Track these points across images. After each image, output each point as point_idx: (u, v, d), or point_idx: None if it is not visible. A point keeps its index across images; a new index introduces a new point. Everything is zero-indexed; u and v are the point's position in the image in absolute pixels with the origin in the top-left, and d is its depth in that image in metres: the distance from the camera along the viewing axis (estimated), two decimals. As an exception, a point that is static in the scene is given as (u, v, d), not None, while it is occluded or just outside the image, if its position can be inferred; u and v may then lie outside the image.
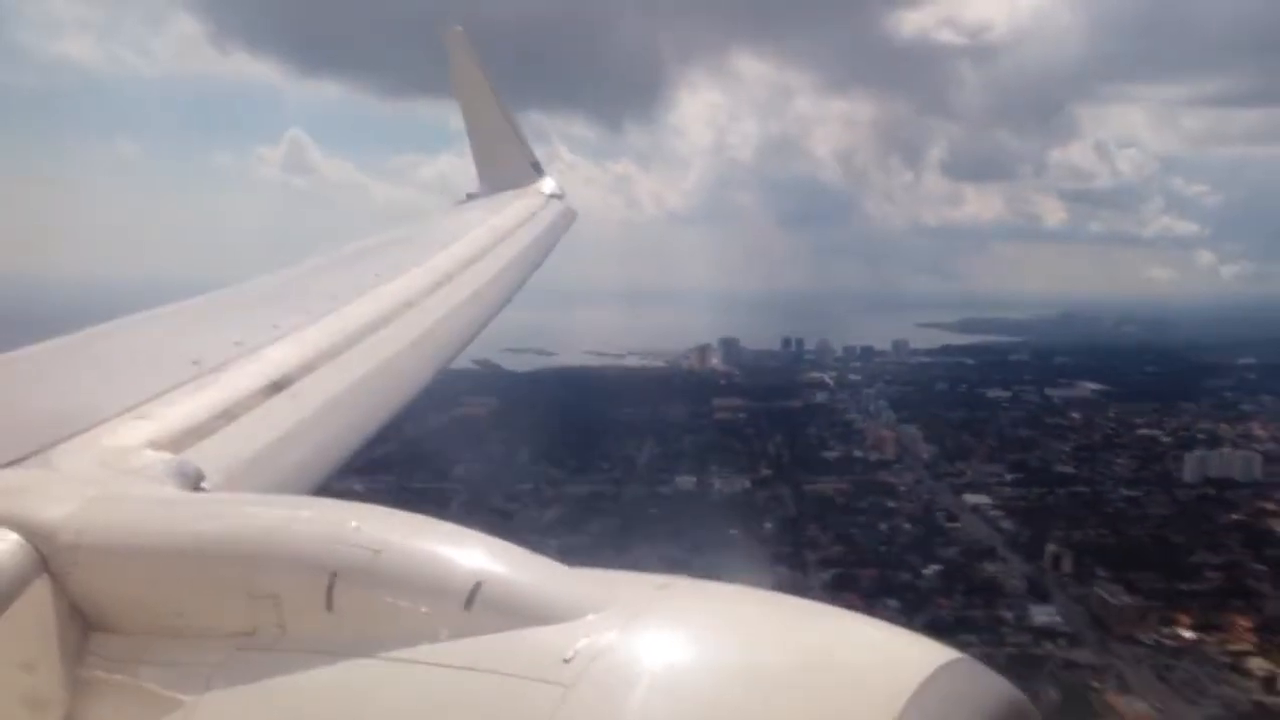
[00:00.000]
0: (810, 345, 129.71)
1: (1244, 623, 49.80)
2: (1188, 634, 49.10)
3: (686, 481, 76.74)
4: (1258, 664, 45.72)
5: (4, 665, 1.78)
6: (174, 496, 2.30)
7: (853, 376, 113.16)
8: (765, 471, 79.26)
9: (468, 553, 1.70)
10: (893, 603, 54.18)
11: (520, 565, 1.70)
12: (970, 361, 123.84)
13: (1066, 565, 57.97)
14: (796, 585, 58.13)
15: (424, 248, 6.47)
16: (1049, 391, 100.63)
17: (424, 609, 1.61)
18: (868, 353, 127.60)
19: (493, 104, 10.88)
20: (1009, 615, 53.09)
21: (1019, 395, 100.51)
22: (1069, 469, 76.78)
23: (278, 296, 4.85)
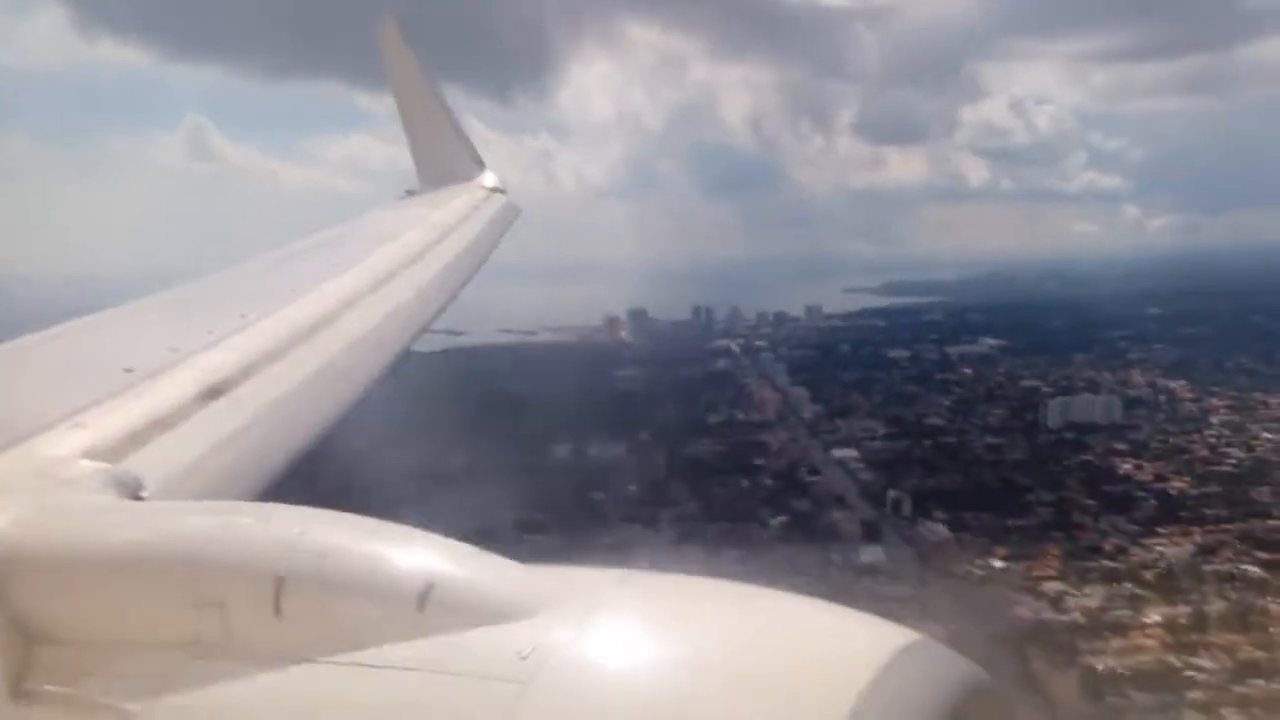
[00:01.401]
0: (721, 314, 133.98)
1: (1054, 551, 55.00)
2: (998, 564, 54.14)
3: (562, 450, 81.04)
4: (1053, 586, 50.83)
5: None
6: (113, 506, 2.33)
7: (759, 343, 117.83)
8: (643, 437, 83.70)
9: (418, 553, 1.76)
10: (731, 552, 58.91)
11: (473, 564, 1.77)
12: (882, 323, 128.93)
13: (905, 509, 62.89)
14: (645, 540, 62.91)
15: (363, 246, 6.66)
16: (948, 349, 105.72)
17: (375, 611, 1.66)
18: (780, 318, 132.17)
19: (430, 98, 10.91)
20: (837, 557, 57.88)
21: (919, 354, 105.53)
22: (940, 421, 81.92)
23: (213, 300, 5.05)
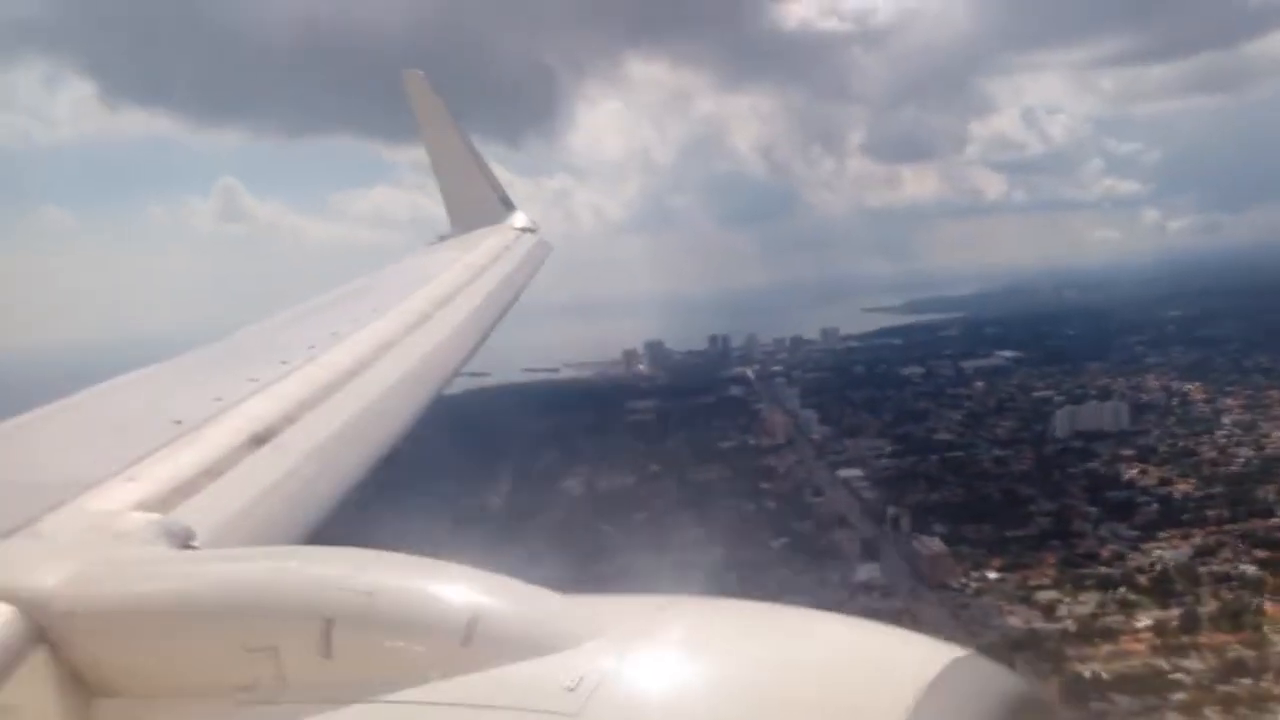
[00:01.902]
0: (738, 342, 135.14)
1: (1050, 560, 55.24)
2: (993, 575, 54.51)
3: (573, 485, 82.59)
4: (1047, 595, 51.11)
5: None
6: (165, 556, 2.43)
7: (774, 368, 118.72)
8: (654, 467, 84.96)
9: (461, 588, 1.80)
10: (731, 575, 59.78)
11: (515, 597, 1.80)
12: (898, 342, 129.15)
13: (904, 525, 63.36)
14: (649, 567, 63.99)
15: (398, 290, 6.81)
16: (963, 364, 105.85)
17: (422, 648, 1.70)
18: (797, 343, 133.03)
19: (459, 144, 11.23)
20: (834, 576, 58.52)
21: (933, 370, 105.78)
22: (948, 436, 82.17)
23: (255, 350, 5.16)
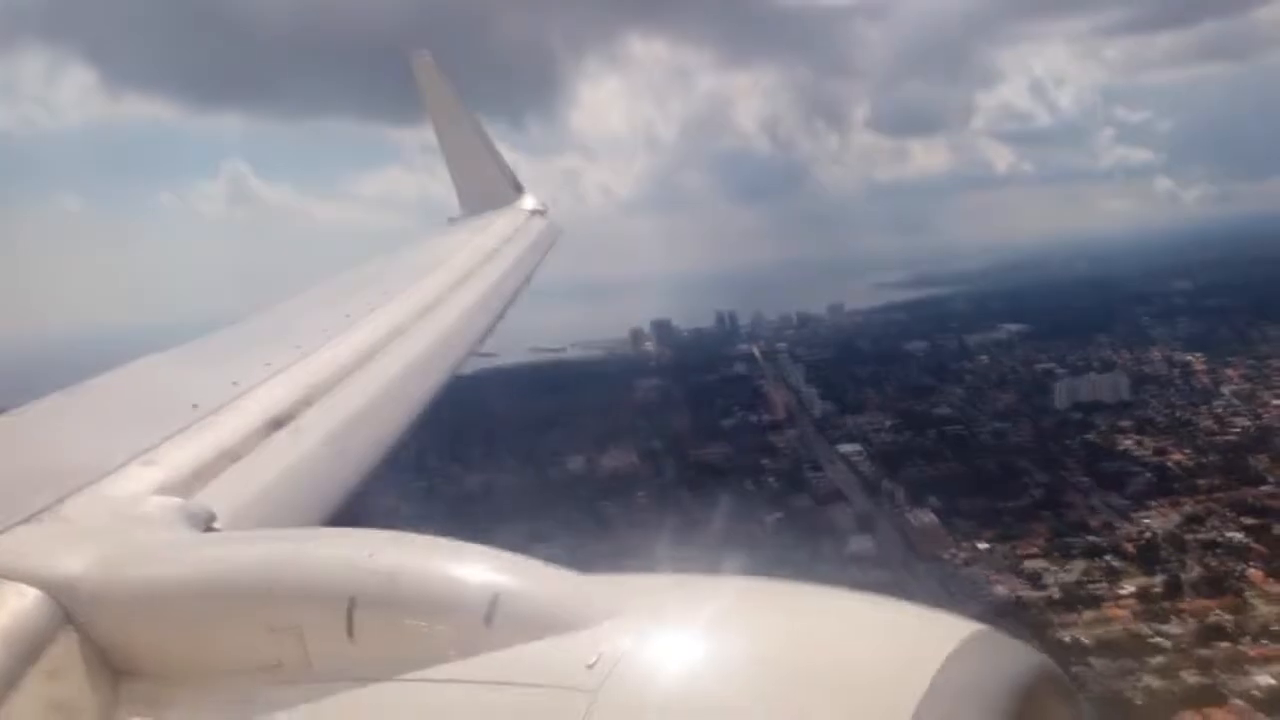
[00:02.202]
0: (744, 319, 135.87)
1: (1041, 530, 56.17)
2: (984, 546, 55.51)
3: (576, 463, 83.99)
4: (1035, 565, 52.09)
5: None
6: (187, 539, 2.47)
7: (780, 344, 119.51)
8: (655, 444, 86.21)
9: (482, 568, 1.83)
10: (724, 550, 61.07)
11: (535, 576, 1.83)
12: (904, 316, 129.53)
13: (900, 499, 64.37)
14: (644, 544, 65.34)
15: (409, 274, 6.90)
16: (968, 338, 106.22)
17: (444, 628, 1.74)
18: (803, 319, 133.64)
19: (468, 127, 11.34)
20: (827, 549, 59.66)
21: (938, 344, 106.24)
22: (949, 410, 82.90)
23: (270, 334, 5.22)
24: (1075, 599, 48.01)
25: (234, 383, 3.92)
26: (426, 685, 1.67)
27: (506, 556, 1.89)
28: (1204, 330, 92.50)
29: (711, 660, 1.57)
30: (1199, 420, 69.11)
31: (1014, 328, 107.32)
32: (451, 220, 10.61)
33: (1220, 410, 70.36)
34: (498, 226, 9.46)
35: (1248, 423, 67.05)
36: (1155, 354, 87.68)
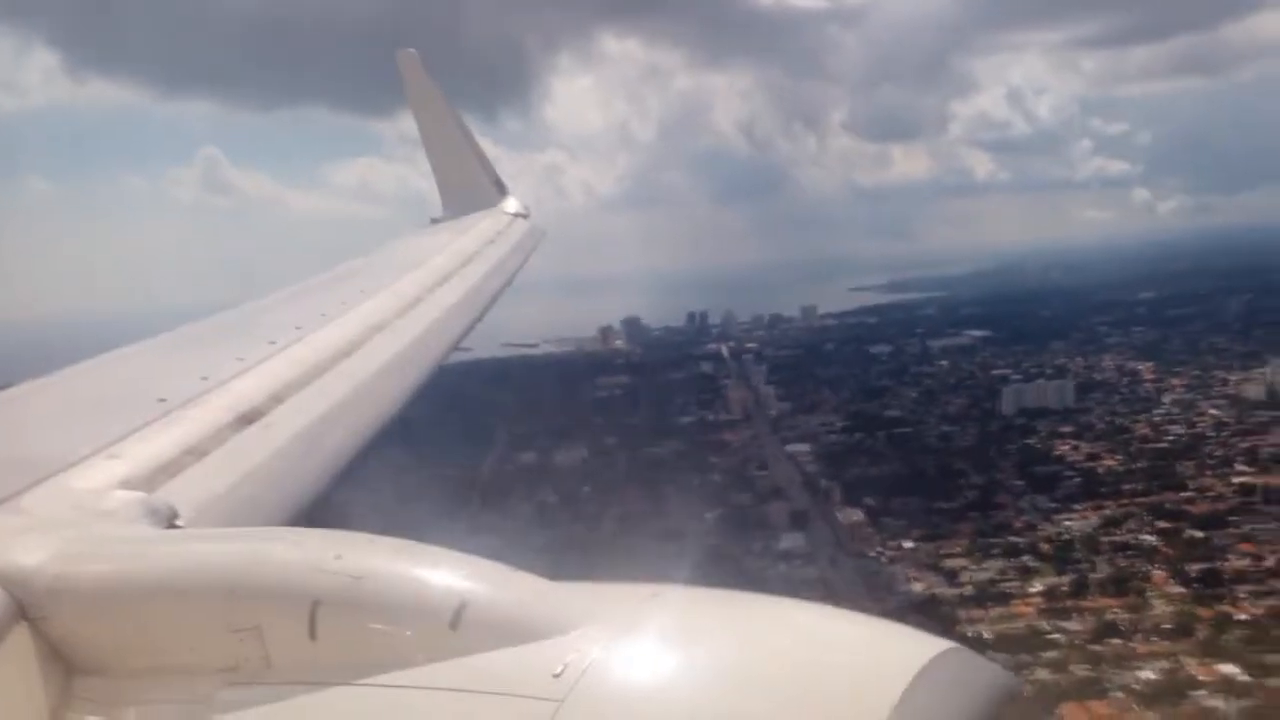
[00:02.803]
0: (715, 318, 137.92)
1: (966, 530, 58.20)
2: (909, 544, 57.53)
3: (528, 456, 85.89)
4: (955, 563, 54.09)
5: None
6: (149, 535, 2.44)
7: (750, 345, 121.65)
8: (609, 440, 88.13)
9: (451, 573, 1.83)
10: (658, 545, 63.05)
11: (504, 583, 1.83)
12: (874, 321, 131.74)
13: (835, 497, 66.39)
14: (584, 539, 67.31)
15: (389, 273, 6.85)
16: (932, 343, 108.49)
17: (409, 632, 1.73)
18: (775, 320, 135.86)
19: (452, 126, 11.27)
20: (759, 545, 61.65)
21: (902, 349, 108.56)
22: (899, 413, 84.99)
23: (242, 329, 5.19)
24: (986, 596, 49.99)
25: (204, 377, 3.89)
26: (388, 690, 1.66)
27: (475, 562, 1.88)
28: (1159, 339, 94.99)
29: (679, 672, 1.57)
30: (1136, 428, 71.21)
31: (977, 334, 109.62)
32: (434, 220, 10.65)
33: (1159, 418, 72.51)
34: (480, 229, 9.45)
35: (1182, 431, 69.19)
36: (1108, 362, 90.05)
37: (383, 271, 7.26)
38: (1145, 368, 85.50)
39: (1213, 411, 71.97)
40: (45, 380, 4.13)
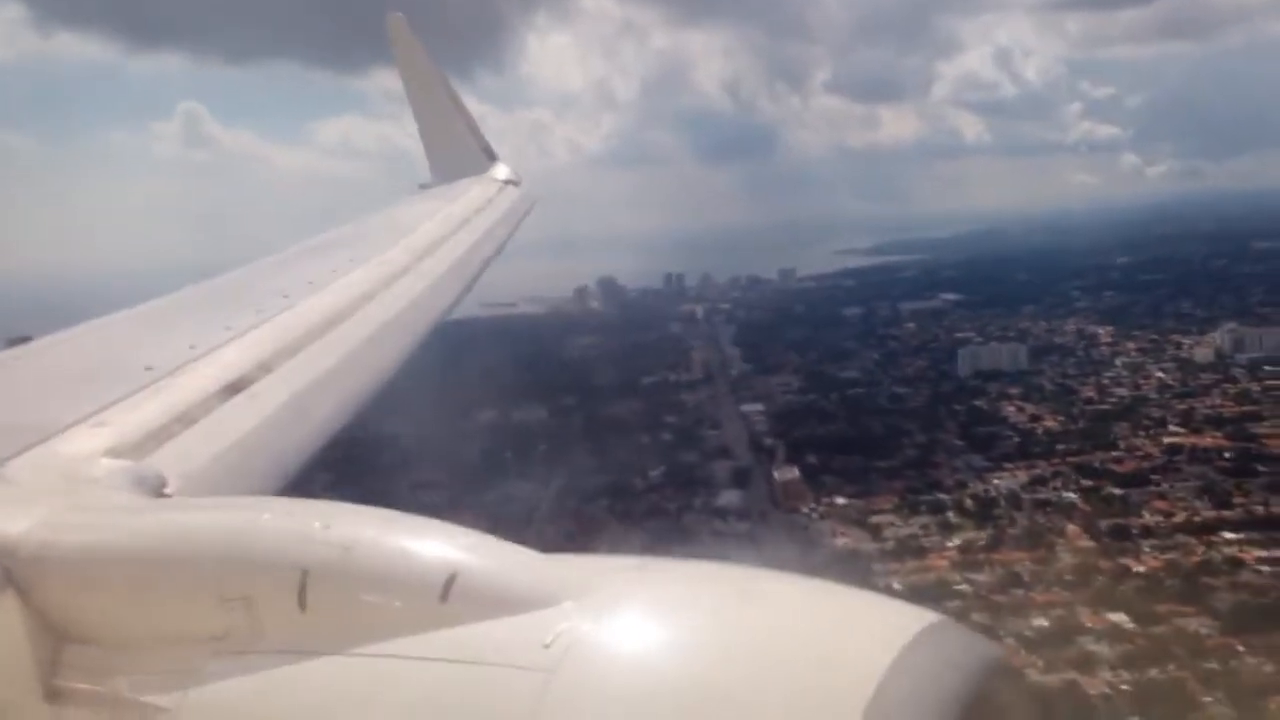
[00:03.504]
0: (693, 280, 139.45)
1: (898, 487, 60.20)
2: (841, 501, 59.56)
3: (487, 415, 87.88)
4: (882, 519, 56.14)
5: None
6: (136, 504, 2.47)
7: (724, 306, 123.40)
8: (568, 400, 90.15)
9: (440, 544, 1.86)
10: (605, 501, 65.31)
11: (494, 554, 1.86)
12: (852, 284, 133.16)
13: (779, 455, 68.38)
14: (529, 495, 69.49)
15: (378, 240, 6.94)
16: (904, 305, 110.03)
17: (399, 603, 1.75)
18: (752, 282, 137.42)
19: (441, 92, 11.27)
20: (699, 502, 63.75)
21: (874, 311, 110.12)
22: (855, 374, 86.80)
23: (230, 297, 5.28)
24: (905, 550, 52.02)
25: (191, 345, 3.93)
26: (379, 660, 1.69)
27: (465, 533, 1.92)
28: (1126, 304, 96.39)
29: (668, 644, 1.61)
30: (1083, 390, 72.93)
31: (950, 297, 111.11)
32: (423, 187, 10.67)
33: (1106, 381, 74.20)
34: (470, 196, 9.49)
35: (1126, 393, 70.94)
36: (1070, 326, 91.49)
37: (372, 239, 7.31)
38: (1104, 331, 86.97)
39: (1159, 375, 73.62)
40: (30, 346, 4.20)
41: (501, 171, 10.83)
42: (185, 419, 3.29)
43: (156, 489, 2.62)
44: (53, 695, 1.92)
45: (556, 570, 1.80)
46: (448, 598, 1.72)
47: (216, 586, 1.86)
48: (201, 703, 1.78)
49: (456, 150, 11.05)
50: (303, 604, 1.79)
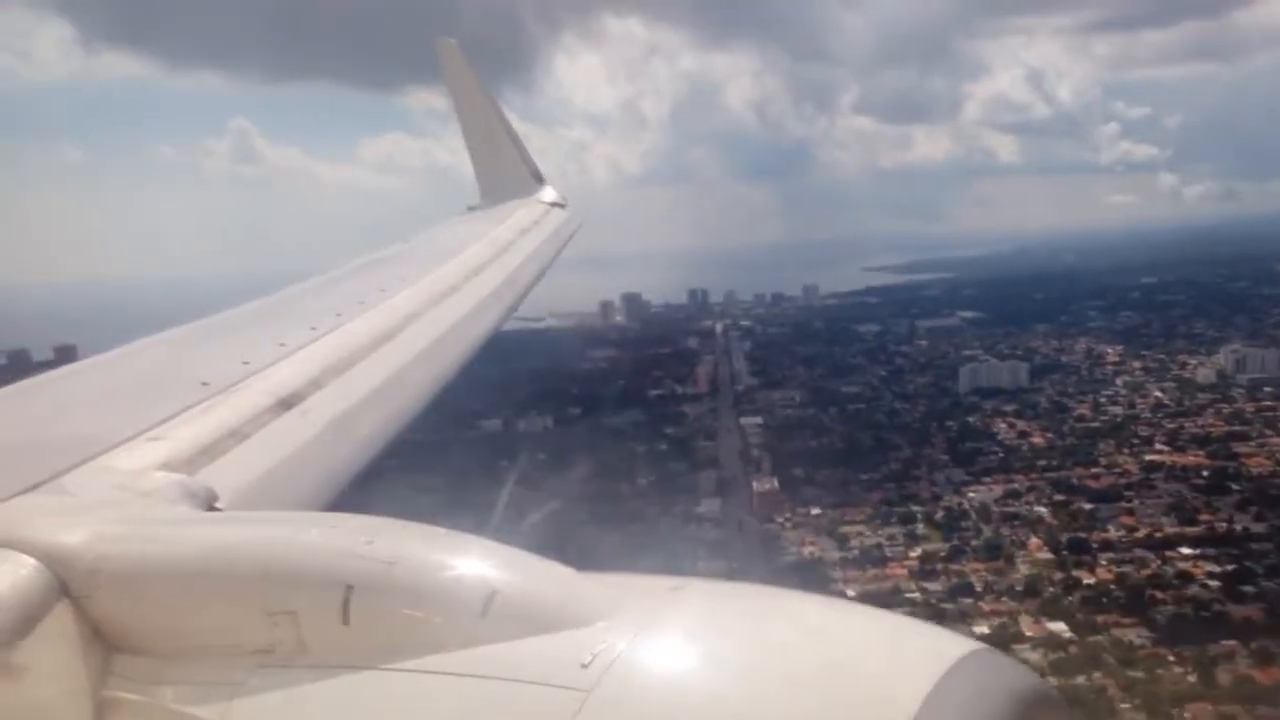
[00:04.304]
0: (719, 296, 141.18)
1: (874, 499, 61.29)
2: (815, 511, 60.84)
3: (493, 424, 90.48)
4: (852, 529, 57.34)
5: (29, 689, 1.95)
6: (188, 517, 2.53)
7: (745, 322, 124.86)
8: (575, 410, 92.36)
9: (481, 562, 1.88)
10: (592, 508, 67.21)
11: (534, 572, 1.88)
12: (875, 300, 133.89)
13: (764, 467, 69.75)
14: (521, 500, 71.57)
15: (426, 261, 7.27)
16: (921, 323, 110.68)
17: (440, 619, 1.77)
18: (776, 299, 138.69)
19: (491, 115, 11.58)
20: (680, 509, 65.36)
21: (890, 328, 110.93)
22: (857, 389, 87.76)
23: (283, 314, 5.39)
24: (868, 559, 53.21)
25: (245, 362, 4.04)
26: (419, 676, 1.72)
27: (506, 551, 1.94)
28: (1140, 324, 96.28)
29: (705, 665, 1.61)
30: (1077, 408, 73.32)
31: (967, 315, 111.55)
32: (471, 208, 10.86)
33: (1104, 399, 74.47)
34: (517, 218, 9.68)
35: (1120, 411, 71.20)
36: (1080, 345, 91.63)
37: (421, 259, 7.47)
38: (1112, 351, 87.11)
39: (1157, 394, 73.69)
40: (88, 362, 4.33)
41: (548, 194, 11.12)
42: (238, 434, 3.38)
43: (208, 503, 2.69)
44: (101, 704, 2.00)
45: (595, 589, 1.83)
46: (488, 614, 1.76)
47: (262, 600, 1.91)
48: (244, 714, 1.84)
49: (504, 172, 11.39)
50: (346, 618, 1.83)
